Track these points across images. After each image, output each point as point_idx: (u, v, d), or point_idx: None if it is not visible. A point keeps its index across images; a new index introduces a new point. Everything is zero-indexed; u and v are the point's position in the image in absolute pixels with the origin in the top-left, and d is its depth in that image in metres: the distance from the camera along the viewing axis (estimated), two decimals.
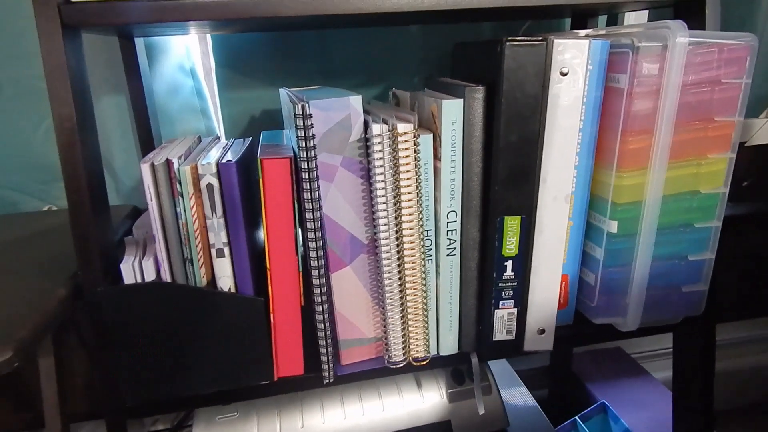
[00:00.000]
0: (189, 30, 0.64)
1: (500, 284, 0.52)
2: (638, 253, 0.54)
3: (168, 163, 0.47)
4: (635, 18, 0.84)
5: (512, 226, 0.50)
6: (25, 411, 0.92)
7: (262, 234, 0.49)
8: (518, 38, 0.45)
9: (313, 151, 0.46)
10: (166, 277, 0.49)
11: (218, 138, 0.62)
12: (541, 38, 0.46)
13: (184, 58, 0.80)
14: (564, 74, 0.47)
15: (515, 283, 0.52)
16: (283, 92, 0.62)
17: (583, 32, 0.62)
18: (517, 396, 0.79)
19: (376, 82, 0.84)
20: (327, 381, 0.52)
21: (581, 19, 0.78)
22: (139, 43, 0.70)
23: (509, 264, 0.51)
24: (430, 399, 0.69)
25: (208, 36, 0.80)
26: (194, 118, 0.83)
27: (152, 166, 0.46)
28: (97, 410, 0.92)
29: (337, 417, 0.67)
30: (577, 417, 0.79)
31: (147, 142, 0.72)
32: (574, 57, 0.47)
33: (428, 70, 0.84)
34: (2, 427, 0.92)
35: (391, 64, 0.83)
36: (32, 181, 0.81)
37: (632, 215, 0.53)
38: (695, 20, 0.56)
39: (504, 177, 0.49)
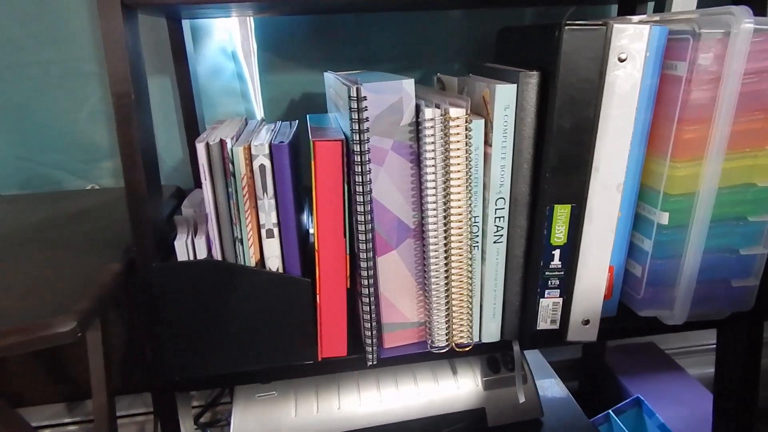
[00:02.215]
0: (235, 11, 0.65)
1: (547, 273, 0.52)
2: (689, 246, 0.53)
3: (222, 143, 0.48)
4: (683, 5, 0.82)
5: (562, 214, 0.50)
6: (64, 383, 0.96)
7: (305, 216, 0.50)
8: (577, 22, 0.45)
9: (365, 134, 0.46)
10: (217, 255, 0.50)
11: (264, 120, 0.62)
12: (600, 22, 0.45)
13: (227, 42, 0.81)
14: (622, 60, 0.46)
15: (562, 273, 0.52)
16: (329, 76, 0.63)
17: (635, 18, 0.60)
18: (551, 387, 0.78)
19: (414, 68, 0.84)
20: (370, 363, 0.53)
21: (629, 4, 0.76)
22: (186, 25, 0.70)
23: (557, 253, 0.51)
24: (465, 386, 0.70)
25: (249, 20, 0.80)
26: (234, 101, 0.84)
27: (207, 145, 0.47)
28: (133, 385, 0.95)
29: (373, 400, 0.67)
30: (610, 410, 0.79)
31: (191, 124, 0.73)
32: (633, 42, 0.46)
33: (468, 56, 0.84)
34: (43, 398, 0.96)
35: (429, 49, 0.83)
36: (76, 160, 0.83)
37: (684, 206, 0.52)
38: (755, 6, 0.55)
39: (555, 164, 0.48)
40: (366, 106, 0.45)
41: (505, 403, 0.70)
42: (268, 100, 0.83)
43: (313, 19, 0.78)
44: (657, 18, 0.58)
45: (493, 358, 0.72)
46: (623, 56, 0.46)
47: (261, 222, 0.50)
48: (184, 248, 0.49)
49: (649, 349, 0.99)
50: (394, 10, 0.77)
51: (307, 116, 0.61)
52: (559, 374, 0.83)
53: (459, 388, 0.69)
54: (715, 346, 0.66)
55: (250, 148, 0.48)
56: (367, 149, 0.46)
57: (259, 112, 0.85)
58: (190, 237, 0.49)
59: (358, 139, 0.46)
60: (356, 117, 0.45)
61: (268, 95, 0.82)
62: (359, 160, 0.46)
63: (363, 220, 0.48)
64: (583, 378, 0.99)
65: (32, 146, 0.81)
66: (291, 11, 0.71)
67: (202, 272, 0.49)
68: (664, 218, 0.52)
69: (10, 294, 0.46)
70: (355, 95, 0.45)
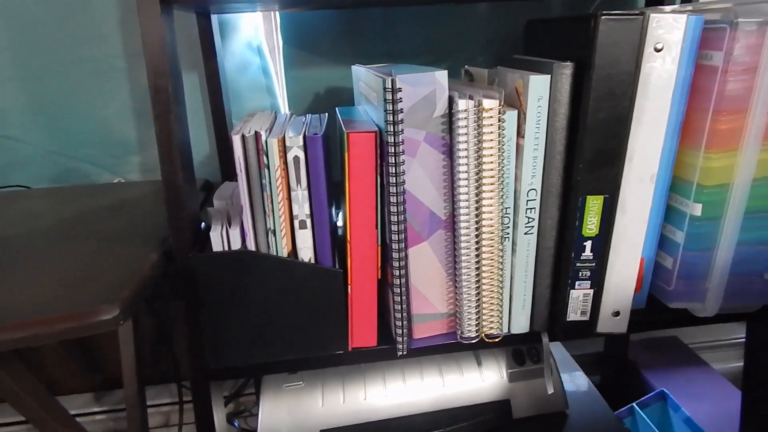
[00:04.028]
0: (263, 5, 0.65)
1: (578, 264, 0.52)
2: (722, 238, 0.52)
3: (257, 135, 0.48)
4: None
5: (594, 205, 0.50)
6: (94, 373, 0.98)
7: (335, 207, 0.50)
8: (613, 12, 0.44)
9: (400, 126, 0.46)
10: (251, 246, 0.51)
11: (293, 114, 0.63)
12: (637, 12, 0.45)
13: (252, 37, 0.82)
14: (658, 50, 0.46)
15: (593, 264, 0.52)
16: (358, 69, 0.63)
17: (667, 8, 0.60)
18: (575, 379, 0.78)
19: (439, 61, 0.84)
20: (401, 353, 0.54)
21: None
22: (215, 21, 0.71)
23: (588, 244, 0.51)
24: (489, 378, 0.70)
25: (274, 15, 0.81)
26: (260, 96, 0.84)
27: (243, 138, 0.48)
28: (159, 375, 0.96)
29: (398, 391, 0.68)
30: (634, 404, 0.79)
31: (219, 119, 0.74)
32: (669, 32, 0.46)
33: (492, 49, 0.83)
34: (73, 388, 0.98)
35: (454, 42, 0.83)
36: (105, 155, 0.85)
37: (718, 198, 0.51)
38: None
39: (589, 156, 0.48)
40: (401, 98, 0.46)
41: (530, 395, 0.70)
42: (292, 94, 0.83)
43: (339, 14, 0.79)
44: (690, 7, 0.57)
45: (518, 350, 0.72)
46: (659, 46, 0.46)
47: (294, 213, 0.50)
48: (219, 239, 0.50)
49: (672, 343, 0.98)
50: (419, 4, 0.77)
51: (336, 109, 0.61)
52: (581, 368, 0.83)
53: (484, 380, 0.70)
54: (739, 340, 0.66)
55: (284, 141, 0.48)
56: (401, 141, 0.47)
57: (284, 107, 0.86)
58: (224, 228, 0.50)
59: (392, 130, 0.46)
60: (391, 108, 0.46)
61: (293, 89, 0.83)
62: (393, 151, 0.47)
63: (396, 211, 0.49)
64: (605, 372, 0.98)
65: (64, 141, 0.83)
66: (317, 6, 0.72)
67: (237, 262, 0.49)
68: (698, 209, 0.52)
69: (54, 284, 0.48)
70: (390, 87, 0.45)
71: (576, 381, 0.78)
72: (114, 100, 0.81)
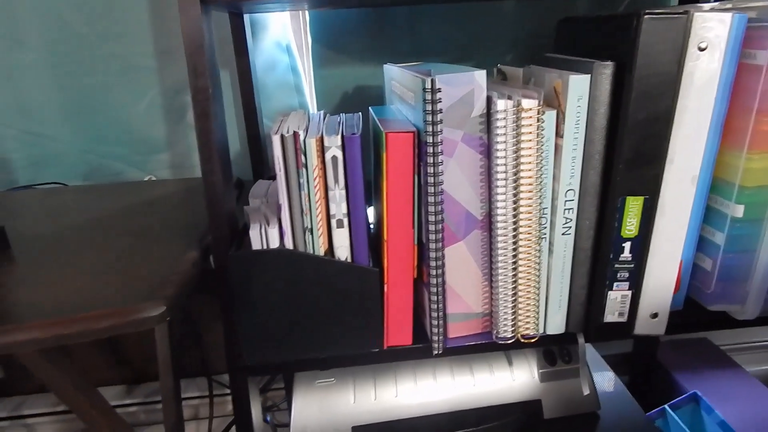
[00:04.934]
0: (295, 4, 0.66)
1: (616, 266, 0.51)
2: (764, 240, 0.51)
3: (295, 135, 0.49)
4: None
5: (634, 206, 0.49)
6: (121, 366, 1.00)
7: (369, 206, 0.50)
8: (657, 11, 0.44)
9: (439, 126, 0.46)
10: (289, 245, 0.51)
11: (327, 113, 0.63)
12: (681, 11, 0.44)
13: (281, 36, 0.82)
14: (702, 49, 0.45)
15: (632, 265, 0.51)
16: (391, 68, 0.63)
17: (706, 6, 0.59)
18: (605, 380, 0.78)
19: (465, 59, 0.84)
20: (436, 352, 0.54)
21: None
22: (246, 20, 0.72)
23: (627, 245, 0.50)
24: (520, 377, 0.70)
25: (301, 13, 0.81)
26: (288, 95, 0.85)
27: (282, 137, 0.48)
28: (188, 370, 0.98)
29: (429, 389, 0.68)
30: (666, 406, 0.78)
31: (250, 118, 0.75)
32: (713, 31, 0.45)
33: (519, 47, 0.83)
34: (101, 381, 1.00)
35: (481, 41, 0.83)
36: (134, 152, 0.86)
37: (760, 200, 0.51)
38: None
39: (630, 156, 0.48)
40: (440, 98, 0.46)
41: (562, 395, 0.69)
42: (320, 92, 0.84)
43: (367, 13, 0.79)
44: (729, 5, 0.56)
45: (550, 351, 0.71)
46: (703, 45, 0.45)
47: (331, 212, 0.51)
48: (258, 237, 0.51)
49: (702, 344, 0.97)
50: (446, 2, 0.77)
51: (370, 108, 0.61)
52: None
53: (515, 380, 0.70)
54: None
55: (322, 140, 0.49)
56: (440, 140, 0.47)
57: (312, 105, 0.86)
58: (263, 227, 0.51)
59: (431, 130, 0.46)
60: (430, 109, 0.46)
61: (322, 88, 0.84)
62: (431, 151, 0.47)
63: (434, 210, 0.49)
64: (634, 373, 0.98)
65: (95, 138, 0.84)
66: (346, 4, 0.72)
67: (276, 261, 0.50)
68: (739, 211, 0.51)
69: (95, 280, 0.49)
70: (429, 87, 0.45)
71: (607, 381, 0.77)
72: (143, 99, 0.83)
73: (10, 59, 0.79)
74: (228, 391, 0.97)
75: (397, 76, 0.60)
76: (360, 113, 0.61)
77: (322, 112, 0.64)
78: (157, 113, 0.84)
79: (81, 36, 0.78)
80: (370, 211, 0.60)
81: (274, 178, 0.68)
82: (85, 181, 0.87)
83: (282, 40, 0.83)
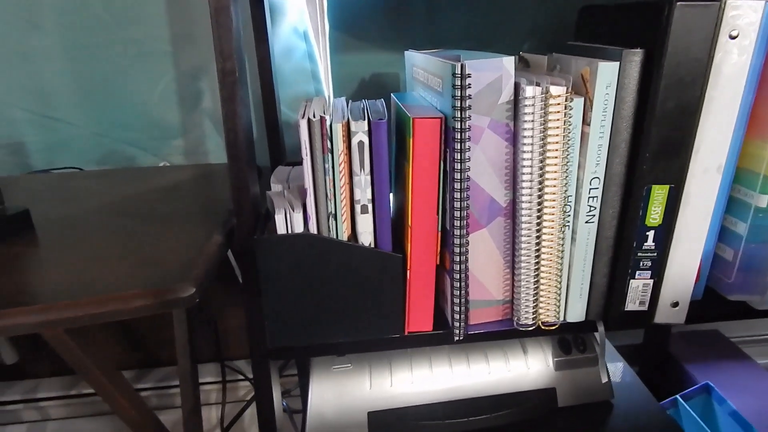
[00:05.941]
0: None
1: (639, 254, 0.51)
2: None
3: (322, 120, 0.49)
4: None
5: (659, 195, 0.49)
6: (135, 351, 1.00)
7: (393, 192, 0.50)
8: None
9: (467, 112, 0.46)
10: (313, 230, 0.52)
11: (349, 99, 0.63)
12: None
13: (298, 21, 0.82)
14: (733, 37, 0.45)
15: (655, 254, 0.51)
16: (414, 54, 0.63)
17: None
18: (618, 370, 0.78)
19: (483, 47, 0.83)
20: (457, 338, 0.54)
21: None
22: (266, 5, 0.71)
23: (651, 234, 0.51)
24: (535, 366, 0.70)
25: (319, 0, 0.81)
26: (305, 81, 0.85)
27: (309, 122, 0.48)
28: (201, 355, 0.99)
29: (445, 375, 0.69)
30: (678, 396, 0.78)
31: (269, 104, 0.75)
32: (746, 18, 0.45)
33: (538, 34, 0.82)
34: (117, 365, 1.01)
35: (498, 28, 0.82)
36: (149, 138, 0.86)
37: None
38: None
39: (656, 145, 0.48)
40: (469, 84, 0.46)
41: (576, 383, 0.70)
42: (337, 79, 0.84)
43: (385, 0, 0.78)
44: None
45: (565, 339, 0.72)
46: (735, 33, 0.45)
47: (356, 198, 0.51)
48: (283, 222, 0.51)
49: (713, 336, 0.97)
50: None
51: (393, 95, 0.61)
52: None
53: (529, 368, 0.70)
54: None
55: (348, 125, 0.49)
56: (468, 127, 0.47)
57: (328, 91, 0.86)
58: (288, 211, 0.51)
59: (459, 116, 0.46)
60: (459, 95, 0.46)
61: (338, 74, 0.83)
62: (459, 137, 0.47)
63: (459, 197, 0.49)
64: (645, 364, 0.98)
65: (110, 123, 0.84)
66: None
67: (300, 245, 0.50)
68: (763, 201, 0.51)
69: (126, 262, 0.49)
70: (459, 73, 0.45)
71: (619, 371, 0.78)
72: (158, 84, 0.82)
73: (27, 43, 0.78)
74: (240, 376, 0.98)
75: (420, 63, 0.59)
76: (383, 99, 0.61)
77: (343, 98, 0.64)
78: (172, 99, 0.84)
79: (98, 19, 0.78)
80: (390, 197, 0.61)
81: (292, 164, 0.68)
82: (99, 165, 0.87)
83: (299, 26, 0.82)
